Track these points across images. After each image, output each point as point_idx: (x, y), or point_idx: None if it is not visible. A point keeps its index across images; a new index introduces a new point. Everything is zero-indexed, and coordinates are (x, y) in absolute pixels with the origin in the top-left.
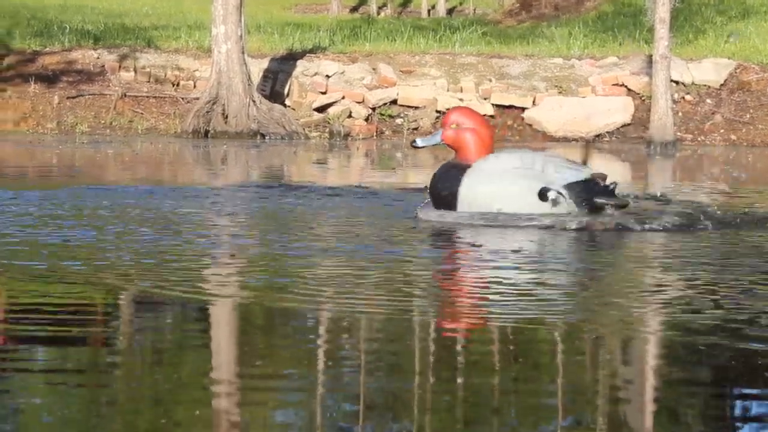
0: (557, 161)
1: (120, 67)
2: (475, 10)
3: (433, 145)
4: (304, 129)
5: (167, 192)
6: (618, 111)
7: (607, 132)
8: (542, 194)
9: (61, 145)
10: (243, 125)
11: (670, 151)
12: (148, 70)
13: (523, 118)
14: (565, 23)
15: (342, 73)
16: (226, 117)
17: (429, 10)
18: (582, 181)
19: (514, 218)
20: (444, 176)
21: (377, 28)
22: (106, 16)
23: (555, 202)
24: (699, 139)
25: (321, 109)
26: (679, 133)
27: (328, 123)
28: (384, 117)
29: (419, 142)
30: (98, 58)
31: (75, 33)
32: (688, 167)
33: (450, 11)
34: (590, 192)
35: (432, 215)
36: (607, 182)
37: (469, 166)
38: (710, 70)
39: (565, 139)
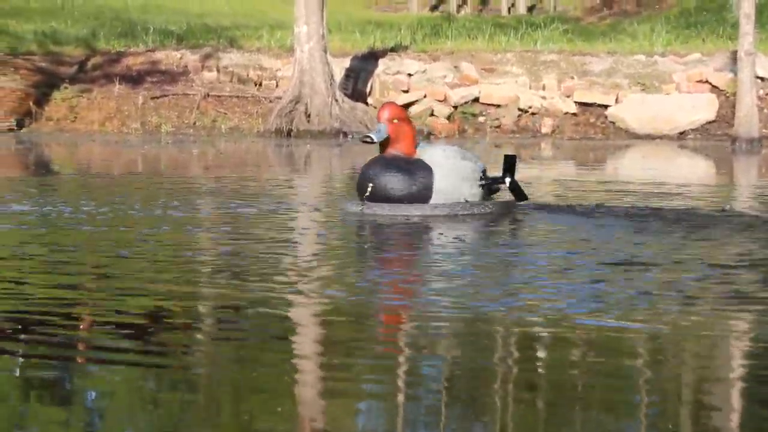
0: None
1: (203, 67)
2: (555, 6)
3: (382, 140)
4: None
5: None
6: (702, 108)
7: (692, 129)
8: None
9: (178, 145)
10: (326, 124)
11: (756, 148)
12: (230, 69)
13: (606, 116)
14: (647, 19)
15: (424, 71)
16: (309, 116)
17: (509, 8)
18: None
19: (448, 207)
20: (406, 170)
21: (458, 26)
22: (187, 15)
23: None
24: None
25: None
26: (764, 130)
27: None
28: (466, 115)
29: (375, 137)
30: (181, 58)
31: (158, 33)
32: None
33: (530, 8)
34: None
35: (385, 209)
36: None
37: (419, 159)
38: None
39: (650, 137)
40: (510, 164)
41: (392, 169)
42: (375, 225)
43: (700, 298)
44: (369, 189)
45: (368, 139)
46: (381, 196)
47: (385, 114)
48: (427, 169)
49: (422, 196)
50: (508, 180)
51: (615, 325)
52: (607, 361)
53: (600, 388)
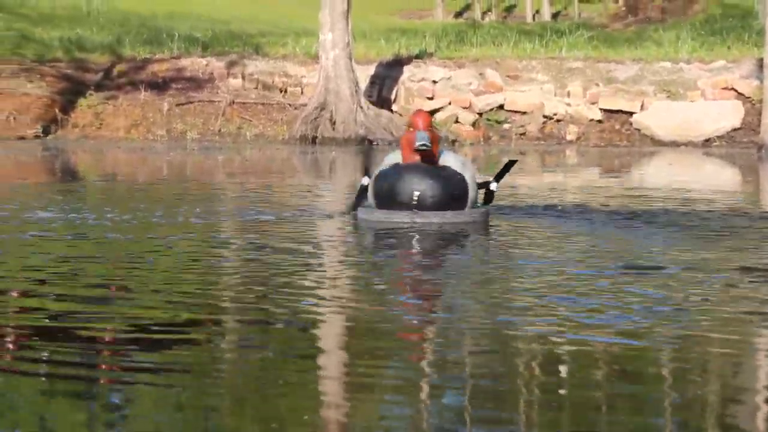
0: None
1: (228, 74)
2: (580, 13)
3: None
4: None
5: None
6: (728, 115)
7: (717, 136)
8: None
9: (206, 152)
10: (350, 131)
11: None
12: (256, 76)
13: (631, 123)
14: (672, 26)
15: (448, 78)
16: (334, 123)
17: (534, 15)
18: None
19: (481, 213)
20: (444, 178)
21: (483, 33)
22: (213, 23)
23: None
24: None
25: None
26: None
27: (435, 128)
28: (491, 122)
29: (428, 144)
30: (207, 65)
31: (183, 40)
32: None
33: (555, 15)
34: None
35: (436, 217)
36: None
37: (448, 167)
38: None
39: (675, 144)
40: (506, 169)
41: (434, 177)
42: (399, 233)
43: (724, 309)
44: (416, 197)
45: (424, 147)
46: (425, 205)
47: (422, 122)
48: (461, 177)
49: (461, 202)
50: (494, 185)
51: (634, 343)
52: (629, 379)
53: (622, 409)
